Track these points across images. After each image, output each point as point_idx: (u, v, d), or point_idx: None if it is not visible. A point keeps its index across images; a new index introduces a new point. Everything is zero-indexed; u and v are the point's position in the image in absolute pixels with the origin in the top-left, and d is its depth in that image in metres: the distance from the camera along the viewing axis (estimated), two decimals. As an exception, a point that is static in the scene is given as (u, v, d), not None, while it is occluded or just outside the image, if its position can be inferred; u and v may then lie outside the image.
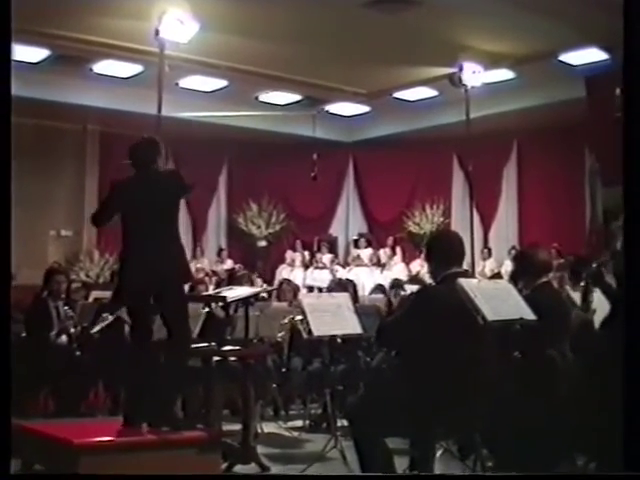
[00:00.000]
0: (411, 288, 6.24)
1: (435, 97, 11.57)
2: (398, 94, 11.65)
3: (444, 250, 3.60)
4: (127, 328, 5.82)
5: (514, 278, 4.39)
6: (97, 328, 5.90)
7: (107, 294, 6.57)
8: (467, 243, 9.90)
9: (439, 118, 11.94)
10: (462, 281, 3.39)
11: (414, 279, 9.36)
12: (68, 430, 3.77)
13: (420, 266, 11.94)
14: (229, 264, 12.68)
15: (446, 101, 11.18)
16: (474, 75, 9.69)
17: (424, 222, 13.25)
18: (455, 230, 11.86)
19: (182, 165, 4.13)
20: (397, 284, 6.84)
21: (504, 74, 10.36)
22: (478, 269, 11.65)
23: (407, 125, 12.68)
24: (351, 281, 7.47)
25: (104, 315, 5.96)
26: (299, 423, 6.08)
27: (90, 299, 7.15)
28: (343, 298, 5.02)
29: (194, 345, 4.89)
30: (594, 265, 4.51)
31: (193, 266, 11.20)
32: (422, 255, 11.90)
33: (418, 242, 12.82)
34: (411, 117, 12.40)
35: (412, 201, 13.55)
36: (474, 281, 3.55)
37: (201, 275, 11.47)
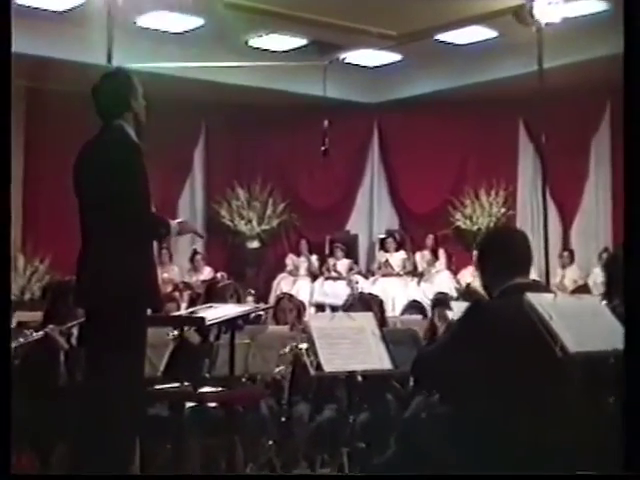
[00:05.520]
0: (460, 306, 6.22)
1: (494, 39, 11.53)
2: (442, 36, 11.62)
3: (503, 254, 3.62)
4: (62, 356, 5.84)
5: (607, 293, 4.36)
6: (14, 345, 5.91)
7: (37, 316, 6.56)
8: (539, 244, 9.86)
9: (499, 69, 11.91)
10: (531, 297, 3.37)
11: (465, 293, 9.32)
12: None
13: (472, 276, 11.92)
14: (207, 273, 12.70)
15: (510, 45, 11.14)
16: (550, 7, 9.60)
17: (478, 214, 13.24)
18: (520, 227, 11.90)
19: (143, 137, 4.12)
20: (442, 300, 6.82)
21: (594, 5, 10.30)
22: (555, 280, 11.61)
23: (454, 79, 12.66)
24: (377, 296, 7.45)
25: (27, 332, 5.96)
26: (305, 494, 6.07)
27: (12, 324, 7.14)
28: (365, 320, 4.99)
29: (159, 386, 4.89)
30: None
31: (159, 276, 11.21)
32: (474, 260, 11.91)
33: (470, 242, 12.80)
34: (460, 68, 12.38)
35: (461, 185, 13.54)
36: (549, 297, 3.53)
37: (169, 289, 11.48)
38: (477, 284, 11.11)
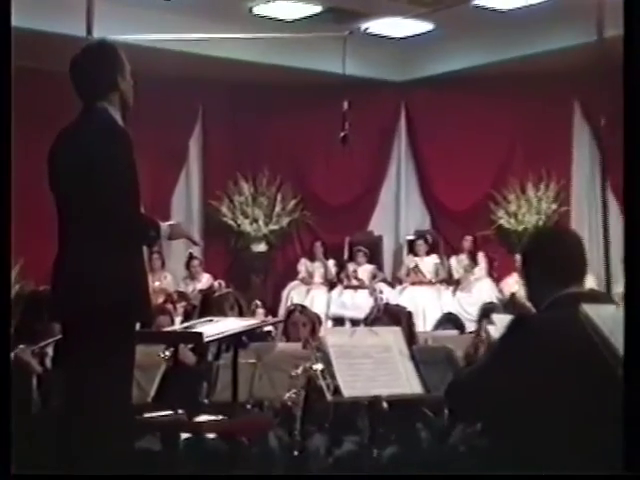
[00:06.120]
0: (503, 320, 6.20)
1: (545, 3, 11.48)
2: (482, 1, 11.61)
3: (554, 258, 3.60)
4: (35, 380, 5.87)
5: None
6: None
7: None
8: (597, 246, 9.83)
9: (551, 40, 11.87)
10: (588, 309, 3.35)
11: (509, 304, 9.28)
12: None
13: (518, 284, 11.90)
14: (206, 281, 12.72)
15: (564, 10, 11.09)
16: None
17: (524, 211, 13.21)
18: (575, 227, 11.85)
19: (128, 122, 4.13)
20: (491, 312, 6.81)
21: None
22: (617, 289, 11.53)
23: (496, 52, 12.64)
24: (404, 308, 7.45)
25: None
26: (321, 541, 6.07)
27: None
28: (392, 336, 5.00)
29: (149, 414, 4.89)
30: None
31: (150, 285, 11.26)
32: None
33: (514, 244, 12.77)
34: (503, 39, 12.36)
35: (504, 177, 13.52)
36: (609, 308, 3.50)
37: (161, 300, 11.49)
38: (522, 293, 11.11)
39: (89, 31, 8.58)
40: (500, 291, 12.73)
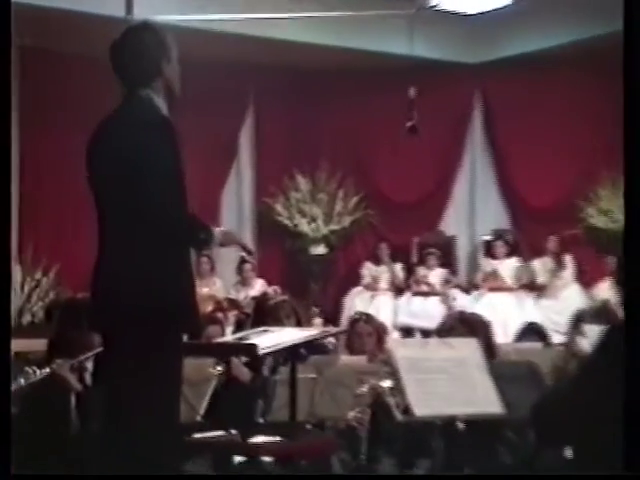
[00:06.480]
0: (595, 329, 6.14)
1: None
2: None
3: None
4: (73, 398, 5.91)
5: None
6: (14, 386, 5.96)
7: (40, 345, 6.64)
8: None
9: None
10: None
11: (602, 313, 9.19)
12: None
13: (611, 289, 11.78)
14: (259, 287, 12.75)
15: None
16: None
17: (616, 208, 13.06)
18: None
19: (174, 112, 4.15)
20: (581, 319, 6.75)
21: None
22: None
23: (585, 29, 12.52)
24: (482, 317, 7.40)
25: (27, 369, 5.99)
26: None
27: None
28: (468, 348, 4.98)
29: (199, 434, 4.91)
30: None
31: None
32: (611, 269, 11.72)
33: (607, 246, 12.64)
34: (590, 14, 12.24)
35: (594, 170, 13.38)
36: None
37: (210, 308, 11.55)
38: (616, 301, 10.99)
39: (128, 10, 8.64)
40: (590, 298, 12.59)
